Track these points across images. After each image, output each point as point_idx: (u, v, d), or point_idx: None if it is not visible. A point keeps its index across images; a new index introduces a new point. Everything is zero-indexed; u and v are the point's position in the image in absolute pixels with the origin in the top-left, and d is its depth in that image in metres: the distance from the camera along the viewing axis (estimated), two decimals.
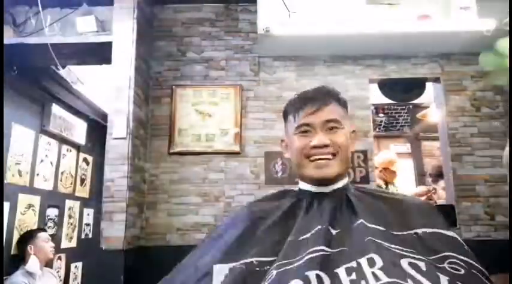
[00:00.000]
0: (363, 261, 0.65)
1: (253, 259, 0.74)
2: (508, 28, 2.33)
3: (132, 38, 2.51)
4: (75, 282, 3.71)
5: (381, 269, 0.63)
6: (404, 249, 0.69)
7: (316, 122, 0.84)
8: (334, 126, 0.85)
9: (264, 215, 0.84)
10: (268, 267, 0.72)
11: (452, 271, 0.67)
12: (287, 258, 0.71)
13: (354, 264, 0.66)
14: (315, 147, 0.83)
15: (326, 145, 0.82)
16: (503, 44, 2.23)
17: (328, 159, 0.83)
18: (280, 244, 0.76)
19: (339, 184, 0.86)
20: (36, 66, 2.95)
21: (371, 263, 0.65)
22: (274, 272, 0.68)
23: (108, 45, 2.51)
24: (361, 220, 0.76)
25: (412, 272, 0.63)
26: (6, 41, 2.46)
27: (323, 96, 0.88)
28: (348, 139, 0.87)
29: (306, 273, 0.65)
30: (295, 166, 0.90)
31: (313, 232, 0.75)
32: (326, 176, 0.84)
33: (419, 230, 0.76)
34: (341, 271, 0.65)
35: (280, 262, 0.70)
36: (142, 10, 2.71)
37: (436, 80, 2.93)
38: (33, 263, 2.56)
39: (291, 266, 0.68)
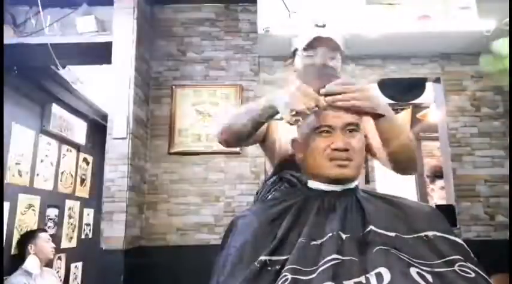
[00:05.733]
0: (372, 276, 0.67)
1: (266, 258, 0.75)
2: (508, 28, 2.34)
3: (132, 38, 2.51)
4: (75, 282, 3.71)
5: None
6: (414, 259, 0.70)
7: (338, 124, 0.86)
8: (353, 128, 0.87)
9: (275, 217, 0.85)
10: (278, 267, 0.73)
11: (463, 274, 0.69)
12: (300, 263, 0.72)
13: (362, 279, 0.67)
14: (336, 149, 0.84)
15: (346, 150, 0.84)
16: (498, 45, 2.23)
17: (349, 160, 0.85)
18: (292, 243, 0.77)
19: (351, 185, 0.88)
20: (36, 66, 2.95)
21: (379, 279, 0.66)
22: (290, 276, 0.69)
23: (108, 45, 2.51)
24: (371, 227, 0.77)
25: (422, 282, 0.65)
26: (6, 41, 2.46)
27: None
28: (363, 144, 0.89)
29: None
30: (310, 166, 0.90)
31: (324, 239, 0.76)
32: (343, 176, 0.86)
33: (430, 233, 0.77)
34: None
35: (293, 266, 0.71)
36: (143, 10, 2.71)
37: (436, 80, 2.93)
38: (31, 262, 2.56)
39: (305, 277, 0.69)
